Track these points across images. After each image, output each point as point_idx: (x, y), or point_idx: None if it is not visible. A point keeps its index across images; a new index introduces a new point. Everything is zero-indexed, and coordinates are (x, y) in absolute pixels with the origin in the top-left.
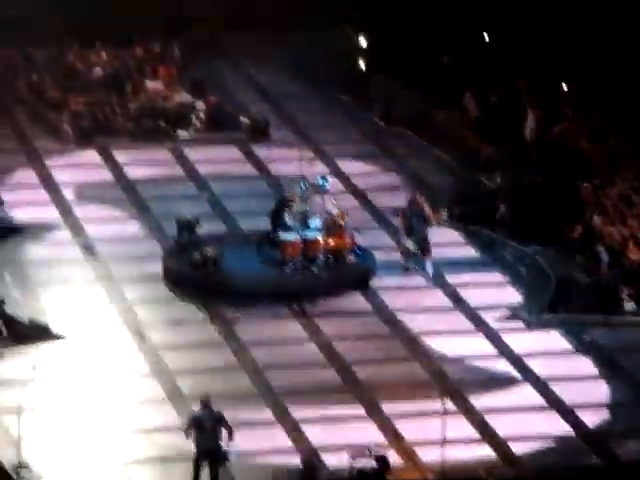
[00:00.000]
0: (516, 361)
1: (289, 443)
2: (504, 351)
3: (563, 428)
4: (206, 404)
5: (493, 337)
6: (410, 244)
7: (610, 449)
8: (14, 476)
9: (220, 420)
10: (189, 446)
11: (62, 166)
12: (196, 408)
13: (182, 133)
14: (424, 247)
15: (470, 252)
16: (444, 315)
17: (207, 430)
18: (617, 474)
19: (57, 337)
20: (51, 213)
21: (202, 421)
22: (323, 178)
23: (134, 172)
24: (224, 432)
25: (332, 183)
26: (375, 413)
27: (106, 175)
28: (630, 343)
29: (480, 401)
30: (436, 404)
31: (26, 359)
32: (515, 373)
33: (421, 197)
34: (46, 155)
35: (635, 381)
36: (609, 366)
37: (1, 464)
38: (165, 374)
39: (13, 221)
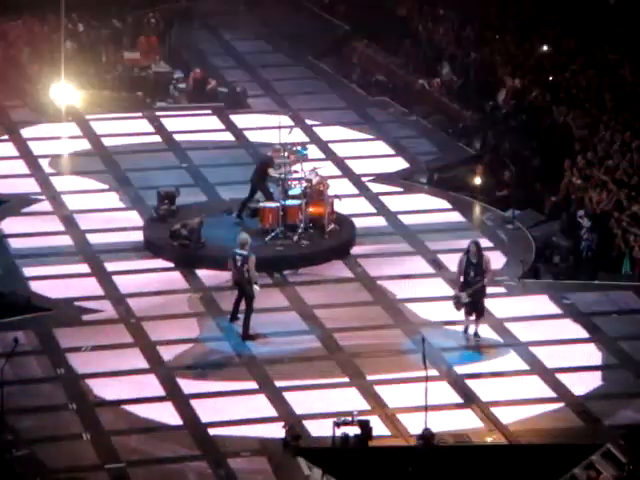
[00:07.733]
0: (498, 326)
1: (273, 412)
2: (486, 316)
3: (547, 393)
4: (243, 245)
5: None
6: (464, 298)
7: (593, 413)
8: None
9: (246, 260)
10: None
11: (40, 138)
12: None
13: (160, 103)
14: (474, 305)
15: (450, 217)
16: (425, 281)
17: (238, 266)
18: (599, 437)
19: (39, 309)
20: (30, 185)
21: (236, 258)
22: (302, 146)
23: (113, 143)
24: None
25: (312, 151)
26: (358, 380)
27: (85, 146)
28: (611, 308)
29: (463, 367)
30: (419, 370)
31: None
32: (497, 338)
33: (479, 247)
34: (24, 127)
35: (615, 344)
36: (590, 330)
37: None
38: (148, 345)
39: None
